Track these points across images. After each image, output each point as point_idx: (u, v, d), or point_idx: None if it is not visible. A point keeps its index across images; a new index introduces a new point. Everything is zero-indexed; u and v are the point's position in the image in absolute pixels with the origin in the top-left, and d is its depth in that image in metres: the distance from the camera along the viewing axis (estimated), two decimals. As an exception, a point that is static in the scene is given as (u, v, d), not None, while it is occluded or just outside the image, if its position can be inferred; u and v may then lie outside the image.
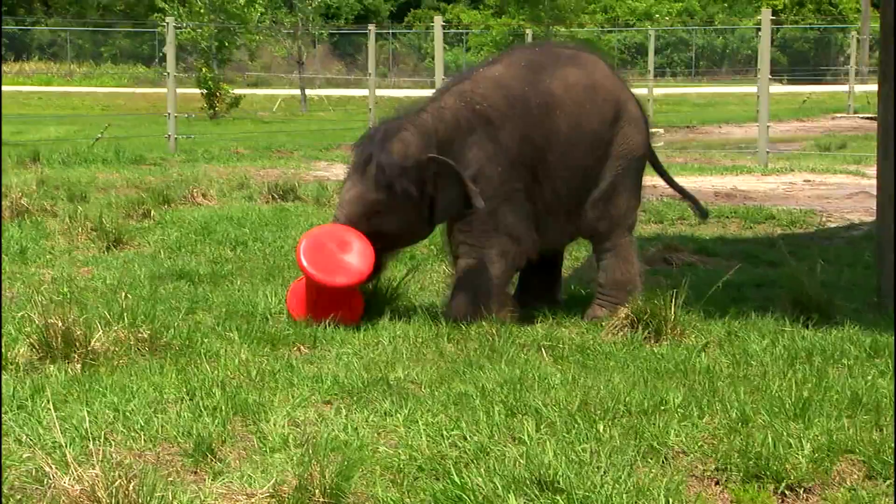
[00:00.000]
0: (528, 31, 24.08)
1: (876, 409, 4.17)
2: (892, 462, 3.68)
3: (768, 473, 3.58)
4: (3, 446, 3.76)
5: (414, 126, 5.53)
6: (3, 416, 4.00)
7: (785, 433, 3.85)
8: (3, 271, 6.83)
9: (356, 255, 5.45)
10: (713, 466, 3.70)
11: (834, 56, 47.91)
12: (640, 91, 34.75)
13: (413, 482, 3.56)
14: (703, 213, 6.59)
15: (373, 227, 5.50)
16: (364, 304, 5.70)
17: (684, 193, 6.48)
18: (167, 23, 17.13)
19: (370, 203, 5.49)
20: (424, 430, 3.95)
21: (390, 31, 49.90)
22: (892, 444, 3.78)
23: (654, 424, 4.00)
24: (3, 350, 4.77)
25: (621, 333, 5.42)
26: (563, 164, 5.70)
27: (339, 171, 13.49)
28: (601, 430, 3.94)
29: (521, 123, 5.62)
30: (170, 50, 16.83)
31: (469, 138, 5.56)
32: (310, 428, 3.99)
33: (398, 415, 4.14)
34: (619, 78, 6.07)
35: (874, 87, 6.71)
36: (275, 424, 4.00)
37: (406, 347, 5.16)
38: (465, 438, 3.87)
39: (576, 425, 3.98)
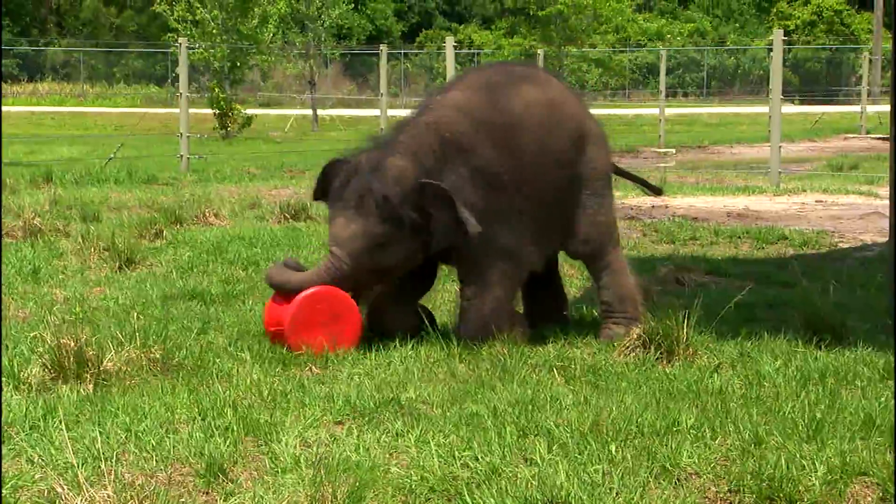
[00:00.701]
0: (540, 52, 24.09)
1: (890, 430, 4.15)
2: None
3: (781, 495, 3.57)
4: (16, 467, 3.77)
5: (400, 153, 5.44)
6: (15, 436, 4.00)
7: (798, 455, 3.84)
8: (16, 291, 6.85)
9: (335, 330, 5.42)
10: (726, 488, 3.69)
11: (846, 76, 47.89)
12: (651, 111, 34.71)
13: (425, 503, 3.55)
14: (656, 190, 6.74)
15: (375, 261, 5.41)
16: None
17: (632, 177, 6.64)
18: (180, 43, 17.21)
19: (374, 237, 5.36)
20: (436, 450, 3.94)
21: (402, 51, 50.03)
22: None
23: (666, 445, 3.99)
24: (15, 370, 4.78)
25: (633, 354, 5.41)
26: (534, 184, 5.62)
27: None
28: (613, 451, 3.93)
29: (489, 145, 5.54)
30: (182, 70, 16.90)
31: (445, 167, 5.47)
32: (321, 448, 3.99)
33: (410, 435, 4.13)
34: (575, 95, 6.07)
35: (886, 108, 6.69)
36: (286, 445, 3.99)
37: (417, 367, 5.16)
38: (477, 459, 3.86)
39: (588, 446, 3.97)
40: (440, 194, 5.33)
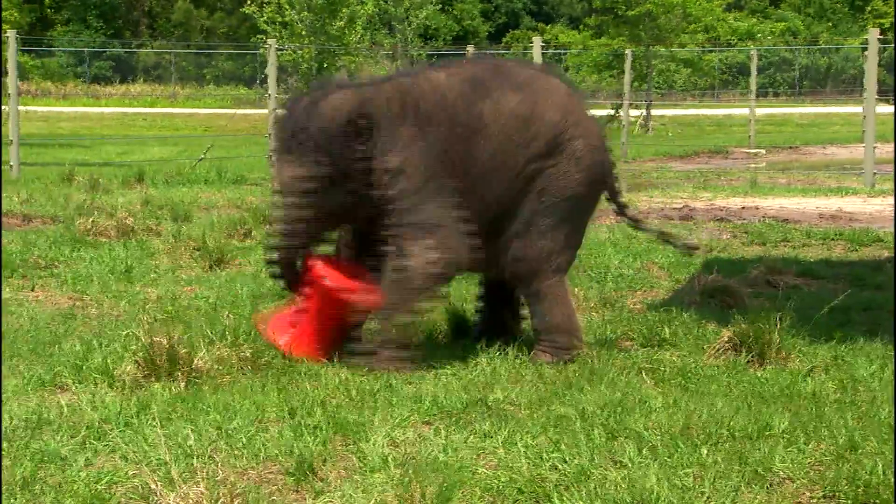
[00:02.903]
0: (628, 52, 23.94)
1: None
2: None
3: (878, 502, 3.50)
4: (110, 463, 3.83)
5: (348, 90, 5.24)
6: (110, 433, 4.06)
7: None
8: (109, 290, 6.97)
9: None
10: (820, 494, 3.62)
11: (942, 75, 46.91)
12: (741, 111, 34.27)
13: (513, 505, 3.54)
14: (690, 248, 6.08)
15: (323, 206, 5.18)
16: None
17: (659, 235, 6.08)
18: (269, 45, 17.37)
19: (312, 178, 5.13)
20: (524, 452, 3.93)
21: (488, 51, 50.03)
22: None
23: (758, 450, 3.93)
24: (109, 368, 4.85)
25: (724, 357, 5.34)
26: (477, 193, 5.27)
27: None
28: (704, 455, 3.88)
29: (444, 135, 5.25)
30: (271, 71, 17.06)
31: (403, 122, 5.20)
32: (409, 448, 3.99)
33: (497, 436, 4.12)
34: (578, 109, 5.47)
35: None
36: (375, 444, 4.00)
37: (504, 368, 5.14)
38: (566, 461, 3.84)
39: (678, 449, 3.93)
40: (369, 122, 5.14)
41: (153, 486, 3.42)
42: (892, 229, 10.14)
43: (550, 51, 47.85)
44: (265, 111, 18.25)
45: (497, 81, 5.38)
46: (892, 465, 3.71)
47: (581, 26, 44.93)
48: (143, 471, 3.60)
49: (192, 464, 3.70)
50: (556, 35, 50.78)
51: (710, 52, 40.94)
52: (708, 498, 3.49)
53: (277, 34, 28.55)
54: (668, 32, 33.42)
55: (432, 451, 3.96)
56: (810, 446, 4.00)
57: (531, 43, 16.72)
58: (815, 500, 3.59)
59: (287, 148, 5.19)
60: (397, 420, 4.34)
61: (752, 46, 38.60)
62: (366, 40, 33.14)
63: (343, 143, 5.12)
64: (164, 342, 4.84)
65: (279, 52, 20.79)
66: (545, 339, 5.41)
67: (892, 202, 12.87)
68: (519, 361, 5.26)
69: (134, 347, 4.98)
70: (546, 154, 5.34)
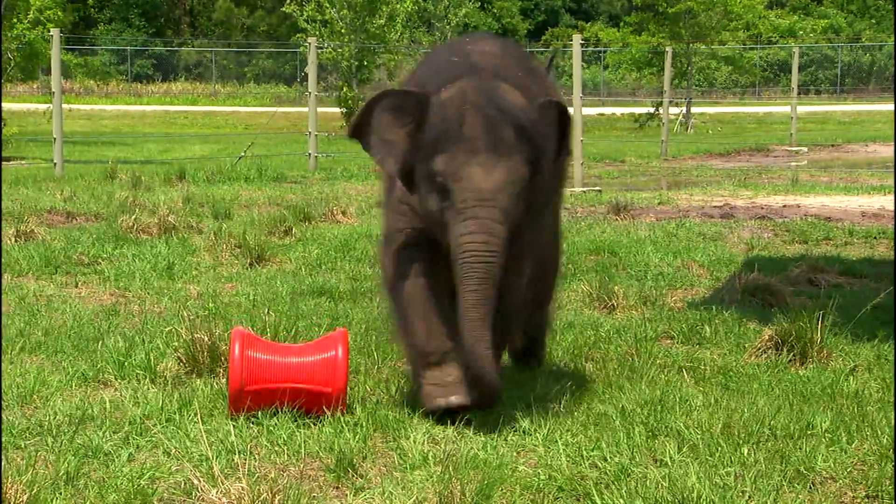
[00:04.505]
0: (668, 49, 23.84)
1: None
2: None
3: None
4: (153, 458, 3.85)
5: (499, 79, 4.26)
6: (152, 428, 4.10)
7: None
8: (151, 286, 7.01)
9: None
10: (863, 493, 3.60)
11: None
12: (782, 109, 34.06)
13: (553, 502, 3.54)
14: None
15: (516, 216, 4.15)
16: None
17: None
18: (309, 43, 17.43)
19: (520, 182, 4.09)
20: (564, 450, 3.92)
21: (528, 49, 49.99)
22: None
23: (800, 449, 3.91)
24: (151, 364, 4.88)
25: (765, 356, 5.31)
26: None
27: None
28: (745, 454, 3.86)
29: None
30: (311, 69, 17.11)
31: None
32: (449, 445, 4.00)
33: (537, 434, 4.11)
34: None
35: None
36: (415, 441, 4.01)
37: (545, 365, 5.14)
38: (606, 459, 3.83)
39: (719, 448, 3.91)
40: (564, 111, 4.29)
41: (195, 481, 3.45)
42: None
43: (590, 48, 47.72)
44: (305, 109, 18.28)
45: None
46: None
47: (621, 24, 44.77)
48: (184, 466, 3.63)
49: (233, 459, 3.72)
50: (595, 33, 50.66)
51: (752, 49, 40.70)
52: (749, 497, 3.48)
53: (317, 32, 28.65)
54: (708, 29, 33.24)
55: (472, 448, 3.97)
56: (853, 445, 3.97)
57: (570, 41, 16.68)
58: (859, 500, 3.57)
59: (492, 145, 4.02)
60: (436, 417, 4.34)
61: (793, 44, 38.34)
62: (405, 38, 33.19)
63: (548, 139, 4.22)
64: (206, 338, 4.87)
65: (319, 51, 20.84)
66: None
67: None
68: (558, 359, 5.26)
69: (176, 344, 5.02)
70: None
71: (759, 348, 5.36)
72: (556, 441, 4.01)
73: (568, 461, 3.83)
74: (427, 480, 3.61)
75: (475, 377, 4.13)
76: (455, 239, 4.05)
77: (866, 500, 3.57)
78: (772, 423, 4.17)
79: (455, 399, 4.22)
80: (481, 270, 4.03)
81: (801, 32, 49.58)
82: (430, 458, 3.84)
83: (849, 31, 53.09)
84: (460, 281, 4.06)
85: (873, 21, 53.76)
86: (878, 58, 49.99)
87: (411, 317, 4.34)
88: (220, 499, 3.31)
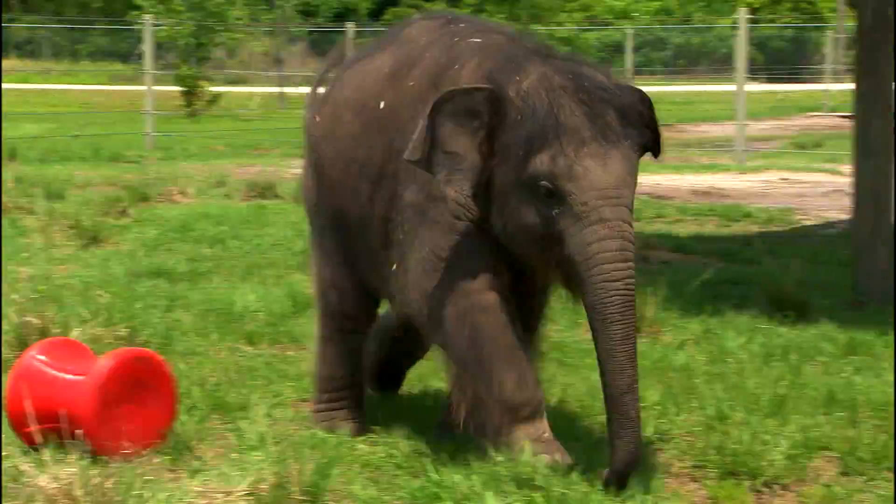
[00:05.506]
0: (507, 30, 24.04)
1: (851, 406, 4.20)
2: (868, 459, 3.71)
3: (745, 470, 3.60)
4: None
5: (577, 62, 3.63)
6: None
7: (761, 430, 3.87)
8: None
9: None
10: (690, 464, 3.72)
11: (810, 55, 48.10)
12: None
13: (391, 479, 3.57)
14: None
15: None
16: None
17: None
18: (145, 20, 17.08)
19: (636, 173, 3.48)
20: (402, 428, 3.95)
21: (369, 28, 49.84)
22: (867, 442, 3.81)
23: (631, 421, 4.01)
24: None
25: (599, 331, 5.41)
26: None
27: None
28: (580, 427, 3.95)
29: None
30: (148, 48, 16.79)
31: None
32: (288, 425, 3.99)
33: (377, 413, 4.14)
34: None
35: (850, 86, 6.75)
36: (253, 422, 3.99)
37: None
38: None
39: (553, 422, 3.97)
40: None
41: (24, 467, 3.37)
42: (768, 206, 10.40)
43: (431, 28, 47.82)
44: (143, 88, 17.91)
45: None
46: (760, 436, 3.82)
47: (460, 3, 45.03)
48: (13, 452, 3.54)
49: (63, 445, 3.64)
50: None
51: (588, 30, 41.36)
52: (582, 469, 3.55)
53: (154, 10, 28.06)
54: (545, 11, 33.68)
55: (311, 428, 3.97)
56: (681, 418, 4.10)
57: (411, 20, 16.72)
58: (686, 470, 3.69)
59: (600, 132, 3.35)
60: (276, 398, 4.33)
61: (628, 25, 39.09)
62: (245, 17, 32.76)
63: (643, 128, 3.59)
64: (37, 321, 4.76)
65: (156, 28, 20.43)
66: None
67: (762, 179, 13.20)
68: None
69: (5, 327, 4.88)
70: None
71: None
72: (396, 419, 4.04)
73: (406, 440, 3.85)
74: (265, 461, 3.59)
75: (627, 444, 3.29)
76: (579, 250, 3.27)
77: (693, 469, 3.69)
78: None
79: (559, 457, 3.47)
80: (623, 290, 3.25)
81: (635, 14, 50.59)
82: (269, 438, 3.82)
83: (681, 12, 54.38)
84: (593, 307, 3.27)
85: (703, 3, 55.17)
86: (708, 39, 51.35)
87: (496, 362, 3.52)
88: (48, 484, 3.23)
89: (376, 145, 3.77)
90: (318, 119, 4.06)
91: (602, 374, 3.29)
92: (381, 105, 3.77)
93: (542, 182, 3.31)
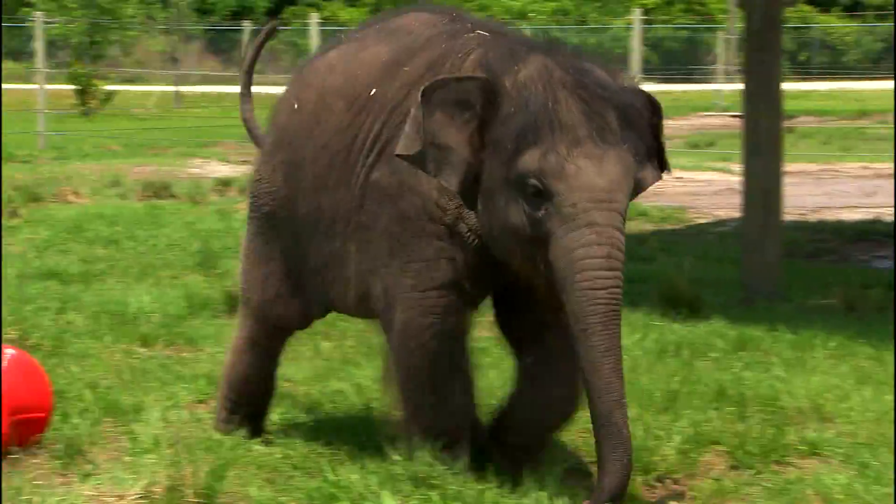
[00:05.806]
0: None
1: (740, 401, 4.29)
2: (756, 452, 3.80)
3: (638, 465, 3.64)
4: None
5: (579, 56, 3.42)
6: None
7: (654, 425, 3.94)
8: None
9: None
10: (586, 459, 3.76)
11: (703, 55, 48.91)
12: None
13: (288, 480, 3.56)
14: None
15: None
16: None
17: None
18: (36, 17, 16.78)
19: (632, 178, 3.23)
20: (299, 428, 3.95)
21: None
22: (755, 436, 3.90)
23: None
24: None
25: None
26: None
27: (215, 168, 13.38)
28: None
29: None
30: (39, 45, 16.50)
31: None
32: (183, 428, 3.96)
33: (273, 413, 4.12)
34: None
35: (741, 86, 6.89)
36: (147, 425, 3.94)
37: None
38: (339, 438, 3.87)
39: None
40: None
41: None
42: (661, 204, 10.54)
43: (329, 27, 47.67)
44: (35, 86, 17.58)
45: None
46: (653, 431, 3.89)
47: (358, 3, 44.96)
48: None
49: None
50: (334, 12, 50.65)
51: (486, 30, 41.46)
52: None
53: (46, 6, 27.56)
54: (445, 10, 33.73)
55: (206, 429, 3.94)
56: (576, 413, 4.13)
57: (309, 20, 16.65)
58: (580, 466, 3.73)
59: (597, 131, 3.15)
60: (171, 400, 4.29)
61: (525, 25, 39.32)
62: (140, 14, 32.32)
63: (646, 134, 3.33)
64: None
65: (48, 26, 20.09)
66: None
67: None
68: (297, 338, 5.26)
69: None
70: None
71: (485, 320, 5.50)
72: (292, 420, 4.04)
73: (303, 441, 3.85)
74: (159, 464, 3.56)
75: (620, 466, 3.19)
76: (564, 255, 3.09)
77: (590, 464, 3.73)
78: (500, 394, 4.28)
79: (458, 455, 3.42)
80: (607, 300, 3.08)
81: (532, 14, 50.97)
82: (163, 441, 3.79)
83: (576, 13, 54.94)
84: (576, 317, 3.09)
85: (598, 4, 55.79)
86: (604, 39, 51.94)
87: (427, 385, 3.42)
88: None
89: (365, 133, 3.51)
90: (296, 106, 3.75)
91: (587, 389, 3.15)
92: (373, 93, 3.52)
93: (531, 180, 3.11)
